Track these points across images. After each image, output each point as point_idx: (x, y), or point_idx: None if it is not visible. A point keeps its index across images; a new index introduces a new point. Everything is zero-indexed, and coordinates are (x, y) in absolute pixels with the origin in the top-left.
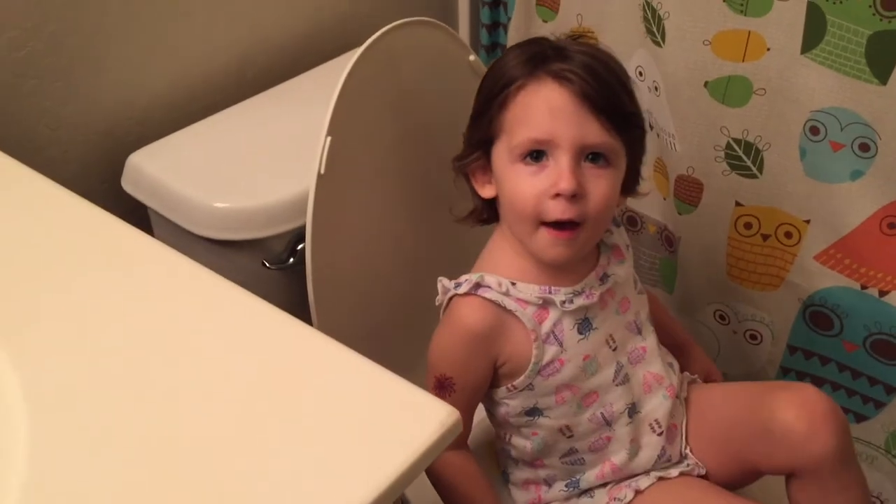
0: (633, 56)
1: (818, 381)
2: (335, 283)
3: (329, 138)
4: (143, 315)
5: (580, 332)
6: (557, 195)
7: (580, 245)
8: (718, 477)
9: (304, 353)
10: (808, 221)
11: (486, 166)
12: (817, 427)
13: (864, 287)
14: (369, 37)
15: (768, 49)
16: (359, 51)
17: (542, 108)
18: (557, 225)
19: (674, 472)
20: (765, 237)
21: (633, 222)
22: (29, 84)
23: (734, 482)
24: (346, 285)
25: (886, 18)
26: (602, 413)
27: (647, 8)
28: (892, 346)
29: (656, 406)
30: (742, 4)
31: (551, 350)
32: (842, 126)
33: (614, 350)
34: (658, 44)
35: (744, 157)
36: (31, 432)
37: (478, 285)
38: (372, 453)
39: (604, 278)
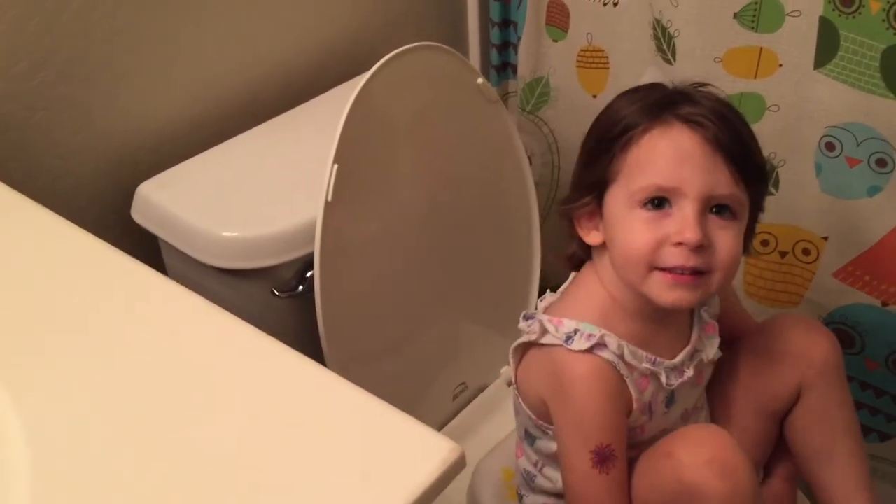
0: (645, 74)
1: None
2: (345, 310)
3: (336, 165)
4: (147, 353)
5: (666, 406)
6: (679, 244)
7: (703, 293)
8: (748, 442)
9: (307, 390)
10: (825, 238)
11: (595, 211)
12: (813, 334)
13: (884, 304)
14: (378, 61)
15: (781, 65)
16: (365, 77)
17: (670, 153)
18: (674, 269)
19: None
20: (782, 254)
21: None
22: (38, 115)
23: (760, 443)
24: (355, 312)
25: None
26: None
27: (657, 26)
28: None
29: None
30: (753, 21)
31: (641, 418)
32: (858, 141)
33: (684, 420)
34: (669, 61)
35: None
36: (33, 477)
37: (597, 345)
38: (375, 491)
39: (694, 355)
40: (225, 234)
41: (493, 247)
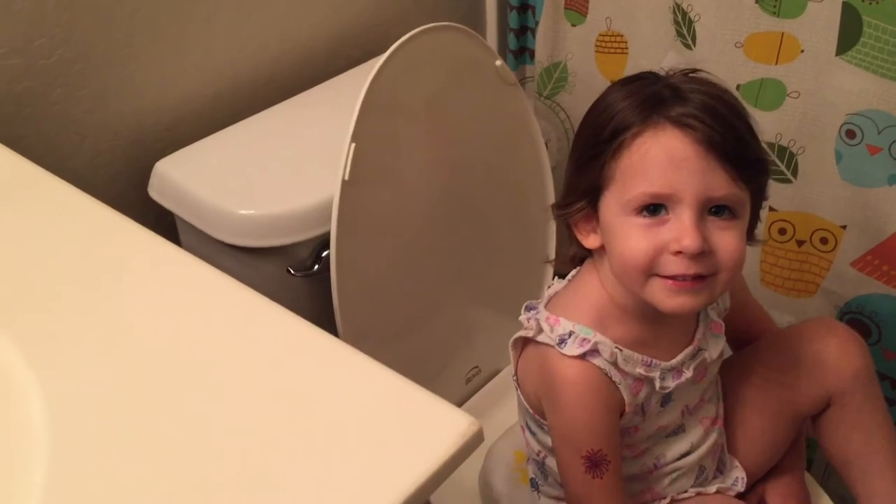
0: (664, 59)
1: None
2: (360, 290)
3: (353, 144)
4: (166, 325)
5: (662, 405)
6: (678, 252)
7: (708, 296)
8: (764, 442)
9: (324, 363)
10: (844, 227)
11: (591, 215)
12: (847, 347)
13: None
14: (395, 42)
15: (802, 51)
16: (383, 56)
17: (662, 159)
18: (675, 277)
19: (712, 488)
20: (800, 243)
21: None
22: (57, 92)
23: (777, 443)
24: (371, 291)
25: None
26: (654, 463)
27: (677, 10)
28: None
29: (709, 445)
30: (775, 6)
31: (635, 419)
32: (879, 129)
33: (684, 415)
34: (689, 46)
35: (778, 162)
36: (53, 445)
37: (590, 351)
38: (393, 464)
39: (696, 354)
40: (241, 212)
41: (509, 230)
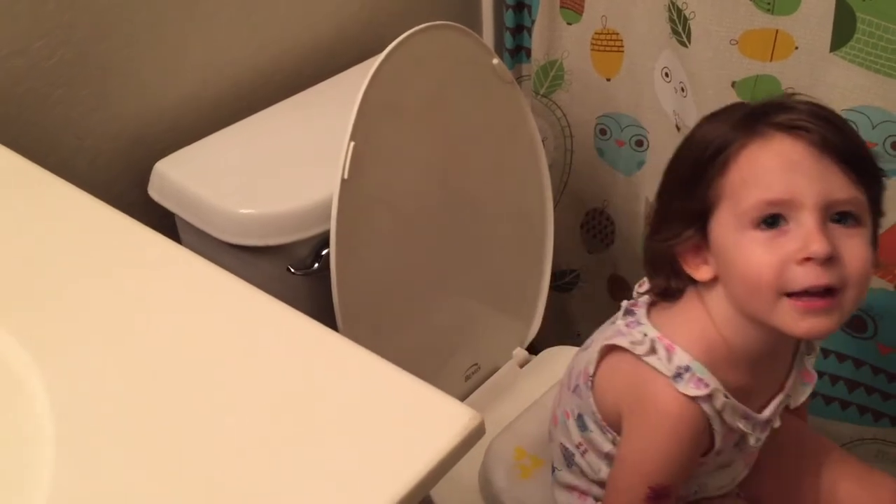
0: (660, 57)
1: (852, 385)
2: (360, 288)
3: (353, 143)
4: (168, 322)
5: (735, 446)
6: (807, 260)
7: (839, 317)
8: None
9: (326, 357)
10: None
11: (701, 244)
12: None
13: None
14: (393, 41)
15: (796, 48)
16: (382, 55)
17: (776, 165)
18: (807, 294)
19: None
20: None
21: None
22: (57, 93)
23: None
24: (371, 290)
25: None
26: (696, 490)
27: (672, 8)
28: None
29: (743, 477)
30: (769, 3)
31: (706, 458)
32: (874, 125)
33: (736, 452)
34: (684, 44)
35: None
36: (57, 441)
37: (705, 396)
38: (395, 457)
39: (783, 401)
40: (242, 211)
41: (507, 229)
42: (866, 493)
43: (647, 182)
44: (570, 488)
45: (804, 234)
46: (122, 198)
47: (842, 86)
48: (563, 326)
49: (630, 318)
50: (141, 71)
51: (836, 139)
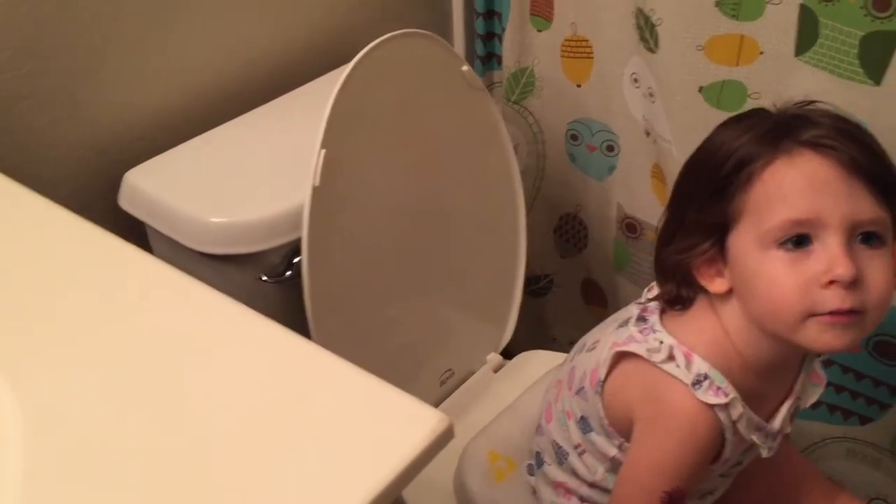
0: (629, 63)
1: None
2: (333, 295)
3: (323, 150)
4: (138, 332)
5: (736, 464)
6: (832, 282)
7: (857, 334)
8: None
9: (295, 363)
10: None
11: (717, 257)
12: None
13: None
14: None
15: (762, 53)
16: (352, 63)
17: (802, 183)
18: (832, 314)
19: None
20: None
21: (632, 228)
22: (23, 104)
23: None
24: (343, 296)
25: (879, 19)
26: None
27: (640, 15)
28: None
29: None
30: (734, 9)
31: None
32: None
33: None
34: (652, 50)
35: None
36: (25, 453)
37: (723, 405)
38: (364, 461)
39: (791, 408)
40: (213, 219)
41: (480, 234)
42: None
43: (618, 187)
44: (557, 485)
45: (829, 255)
46: (91, 208)
47: (807, 90)
48: (539, 331)
49: (643, 325)
50: (108, 81)
51: (864, 158)
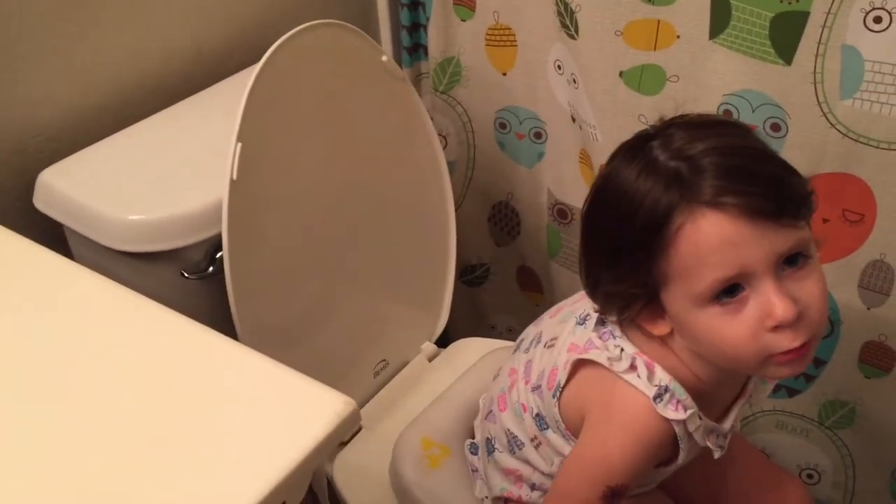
0: (551, 50)
1: None
2: (256, 289)
3: (240, 144)
4: (55, 335)
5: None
6: (776, 327)
7: (812, 354)
8: None
9: (203, 355)
10: None
11: (655, 309)
12: None
13: None
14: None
15: (678, 36)
16: (266, 56)
17: (717, 243)
18: (788, 353)
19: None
20: None
21: (563, 214)
22: None
23: None
24: (267, 290)
25: (787, 1)
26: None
27: (559, 2)
28: None
29: None
30: None
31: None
32: (753, 108)
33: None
34: (573, 37)
35: None
36: None
37: (681, 410)
38: (271, 446)
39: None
40: (131, 217)
41: (409, 225)
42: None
43: (548, 172)
44: (509, 472)
45: (766, 301)
46: (5, 209)
47: (722, 71)
48: (477, 319)
49: (602, 329)
50: (20, 80)
51: (765, 199)
